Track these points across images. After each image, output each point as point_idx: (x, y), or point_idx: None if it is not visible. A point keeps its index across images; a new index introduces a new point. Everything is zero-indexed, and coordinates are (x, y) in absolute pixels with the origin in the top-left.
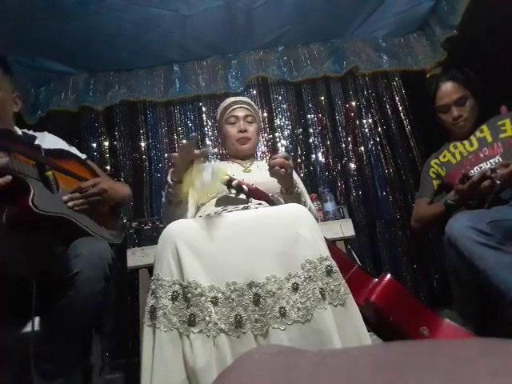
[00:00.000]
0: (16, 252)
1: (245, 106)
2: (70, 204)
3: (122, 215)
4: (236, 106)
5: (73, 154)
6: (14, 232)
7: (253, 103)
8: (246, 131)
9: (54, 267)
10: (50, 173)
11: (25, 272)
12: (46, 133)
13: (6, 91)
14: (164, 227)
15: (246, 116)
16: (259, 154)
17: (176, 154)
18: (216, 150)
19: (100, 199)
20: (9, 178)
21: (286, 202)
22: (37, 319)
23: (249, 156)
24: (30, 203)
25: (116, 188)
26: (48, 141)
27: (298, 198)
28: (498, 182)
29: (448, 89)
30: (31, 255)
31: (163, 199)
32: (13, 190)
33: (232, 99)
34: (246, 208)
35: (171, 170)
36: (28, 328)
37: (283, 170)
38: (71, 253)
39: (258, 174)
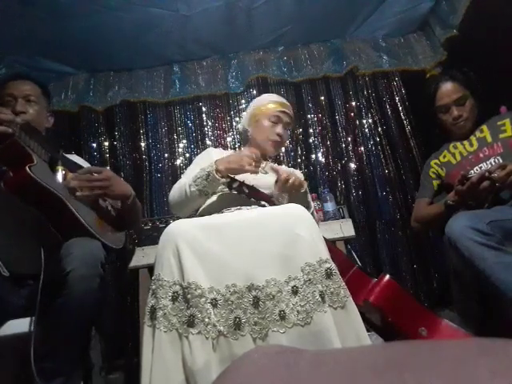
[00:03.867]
0: (26, 246)
1: (289, 113)
2: (73, 182)
3: (132, 232)
4: (283, 109)
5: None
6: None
7: (291, 112)
8: (281, 136)
9: (52, 266)
10: (59, 167)
11: (33, 266)
12: (74, 154)
13: (43, 108)
14: (165, 226)
15: (286, 123)
16: None
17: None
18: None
19: (104, 185)
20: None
21: (290, 201)
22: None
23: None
24: (27, 168)
25: (120, 181)
26: (70, 156)
27: (304, 199)
28: (497, 184)
29: (448, 89)
30: (42, 248)
31: (191, 189)
32: (16, 157)
33: (280, 99)
34: (248, 208)
35: (224, 167)
36: (27, 327)
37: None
38: (64, 252)
39: (263, 174)
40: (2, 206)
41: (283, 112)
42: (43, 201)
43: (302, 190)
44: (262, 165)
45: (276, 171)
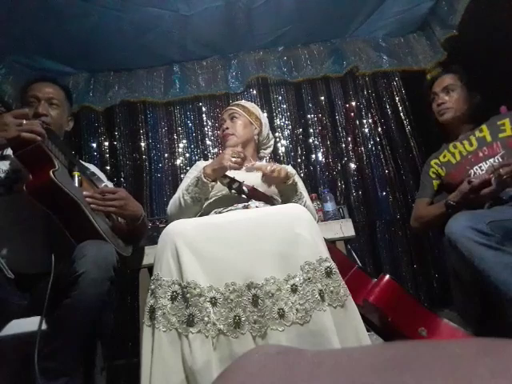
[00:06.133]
0: (41, 243)
1: (229, 107)
2: (88, 200)
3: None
4: (226, 110)
5: (100, 178)
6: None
7: (242, 102)
8: (227, 128)
9: (62, 267)
10: (77, 173)
11: (41, 267)
12: (91, 164)
13: (65, 112)
14: (165, 226)
15: (230, 115)
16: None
17: (233, 160)
18: (216, 150)
19: (117, 205)
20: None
21: (280, 192)
22: (38, 318)
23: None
24: (51, 172)
25: (132, 202)
26: (87, 164)
27: (293, 190)
28: (505, 177)
29: (442, 78)
30: (52, 249)
31: (184, 198)
32: (39, 161)
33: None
34: (247, 207)
35: (210, 169)
36: (28, 327)
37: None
38: (77, 254)
39: (259, 174)
40: (11, 207)
41: (225, 112)
42: (62, 205)
43: (289, 182)
44: (248, 164)
45: (259, 168)
